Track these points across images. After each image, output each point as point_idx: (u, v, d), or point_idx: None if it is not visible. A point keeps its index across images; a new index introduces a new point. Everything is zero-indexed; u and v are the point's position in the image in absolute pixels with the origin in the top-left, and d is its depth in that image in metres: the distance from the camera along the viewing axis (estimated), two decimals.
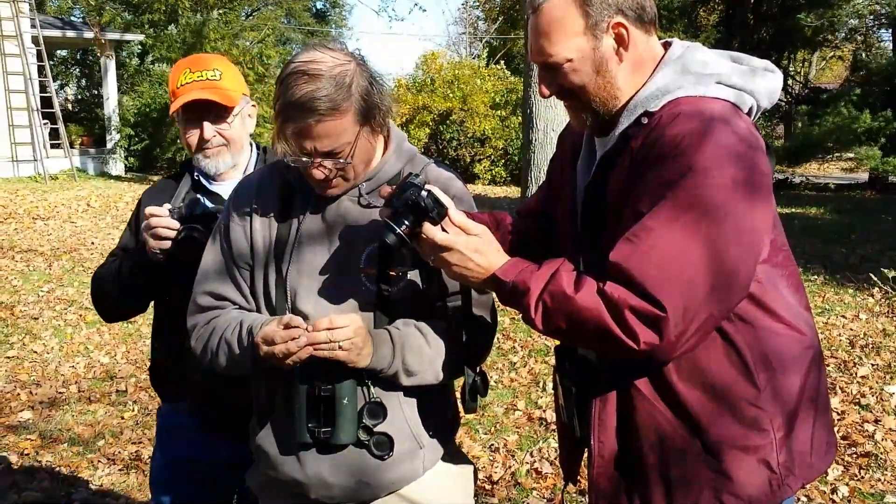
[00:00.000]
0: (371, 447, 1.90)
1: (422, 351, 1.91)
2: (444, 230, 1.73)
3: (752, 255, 1.63)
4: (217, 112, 2.41)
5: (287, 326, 1.78)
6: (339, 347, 1.78)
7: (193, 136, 2.43)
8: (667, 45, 1.81)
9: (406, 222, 1.72)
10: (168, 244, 2.26)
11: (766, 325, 1.73)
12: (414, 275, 1.94)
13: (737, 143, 1.61)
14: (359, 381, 1.88)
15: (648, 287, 1.56)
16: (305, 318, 1.87)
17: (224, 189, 2.41)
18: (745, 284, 1.65)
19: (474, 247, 1.73)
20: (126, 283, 2.39)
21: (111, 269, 2.46)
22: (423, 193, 1.72)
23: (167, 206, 2.30)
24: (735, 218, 1.58)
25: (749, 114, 1.74)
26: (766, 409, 1.73)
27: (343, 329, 1.78)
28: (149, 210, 2.28)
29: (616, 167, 1.74)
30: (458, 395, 2.09)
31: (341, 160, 1.84)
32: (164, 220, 2.25)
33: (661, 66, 1.76)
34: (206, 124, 2.41)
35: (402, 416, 1.96)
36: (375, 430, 1.90)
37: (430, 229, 1.72)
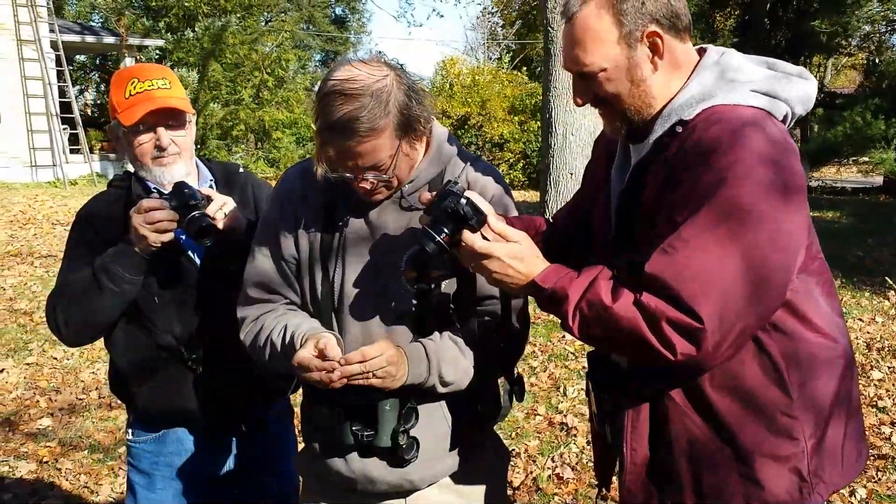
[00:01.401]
0: (402, 449, 1.93)
1: (457, 362, 1.95)
2: (483, 237, 1.73)
3: (789, 264, 1.62)
4: (173, 120, 2.36)
5: (321, 354, 1.81)
6: (374, 375, 1.82)
7: (148, 145, 2.34)
8: (701, 52, 1.80)
9: (445, 230, 1.73)
10: (170, 237, 2.23)
11: (801, 333, 1.72)
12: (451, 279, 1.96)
13: (771, 151, 1.60)
14: (396, 396, 1.91)
15: (685, 298, 1.55)
16: (345, 323, 1.96)
17: None
18: (782, 293, 1.64)
19: (514, 254, 1.73)
20: (123, 287, 2.26)
21: (89, 283, 2.28)
22: (462, 201, 1.72)
23: (155, 198, 2.23)
24: (771, 226, 1.57)
25: (784, 121, 1.73)
26: (798, 417, 1.72)
27: (376, 359, 1.82)
28: (147, 204, 2.20)
29: (650, 175, 1.73)
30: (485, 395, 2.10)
31: (384, 175, 1.86)
32: (166, 213, 2.21)
33: (696, 73, 1.75)
34: (162, 131, 2.34)
35: (441, 415, 2.00)
36: (409, 433, 1.94)
37: (469, 237, 1.73)
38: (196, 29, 22.10)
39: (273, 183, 2.46)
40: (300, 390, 2.19)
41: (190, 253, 2.39)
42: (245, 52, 21.86)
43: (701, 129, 1.65)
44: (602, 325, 1.63)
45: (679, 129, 1.69)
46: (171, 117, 2.35)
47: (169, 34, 22.38)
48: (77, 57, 25.14)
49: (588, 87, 1.75)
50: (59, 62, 18.96)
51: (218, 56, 21.76)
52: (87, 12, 28.20)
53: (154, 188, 2.38)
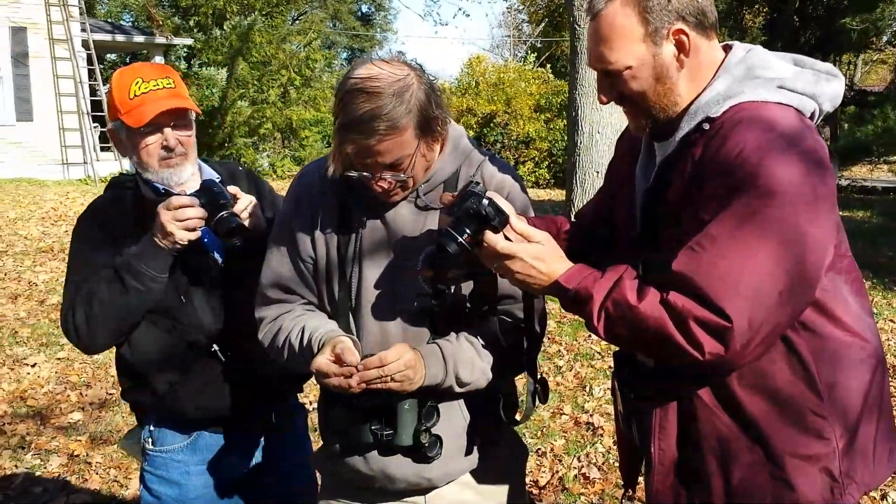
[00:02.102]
0: (425, 447, 1.94)
1: (473, 363, 1.95)
2: (506, 238, 1.73)
3: (818, 262, 1.61)
4: (179, 120, 2.32)
5: (338, 359, 1.83)
6: (392, 379, 1.83)
7: (154, 146, 2.29)
8: (727, 49, 1.78)
9: (467, 231, 1.73)
10: (198, 235, 2.21)
11: (830, 332, 1.71)
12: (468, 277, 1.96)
13: (801, 150, 1.59)
14: (414, 396, 1.92)
15: (713, 297, 1.54)
16: (363, 323, 1.96)
17: None
18: (811, 292, 1.62)
19: (536, 254, 1.72)
20: (149, 285, 2.22)
21: (111, 283, 2.23)
22: (485, 202, 1.72)
23: (185, 195, 2.21)
24: (800, 225, 1.56)
25: (811, 117, 1.72)
26: (828, 417, 1.71)
27: (393, 364, 1.82)
28: (178, 201, 2.18)
29: (676, 173, 1.72)
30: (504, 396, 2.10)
31: (402, 175, 1.86)
32: (197, 211, 2.18)
33: (722, 70, 1.73)
34: (169, 132, 2.30)
35: (459, 413, 2.01)
36: (430, 431, 1.95)
37: (491, 238, 1.72)
38: (225, 27, 22.24)
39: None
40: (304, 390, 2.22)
41: (212, 252, 2.37)
42: (272, 52, 21.96)
43: (728, 127, 1.64)
44: (628, 324, 1.63)
45: (706, 126, 1.68)
46: (177, 117, 2.31)
47: (200, 33, 22.54)
48: (107, 56, 25.41)
49: (613, 85, 1.74)
50: (90, 61, 19.16)
51: (245, 55, 21.88)
52: (117, 11, 28.50)
53: (163, 190, 2.34)
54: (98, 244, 2.31)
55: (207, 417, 2.39)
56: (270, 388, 2.43)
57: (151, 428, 2.43)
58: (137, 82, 2.29)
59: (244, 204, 2.28)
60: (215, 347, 2.33)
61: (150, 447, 2.43)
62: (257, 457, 2.50)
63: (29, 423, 5.25)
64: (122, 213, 2.35)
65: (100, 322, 2.25)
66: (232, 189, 2.31)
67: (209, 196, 2.21)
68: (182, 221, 2.17)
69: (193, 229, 2.19)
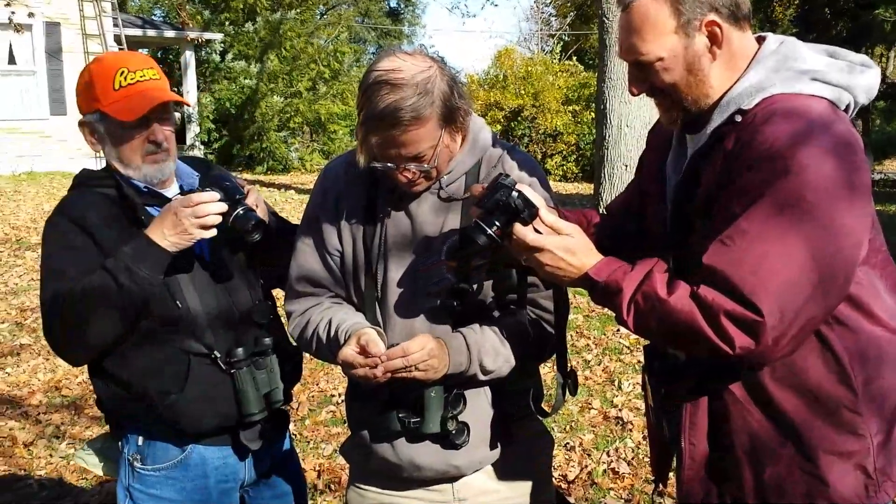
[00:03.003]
0: (452, 435, 1.96)
1: (497, 351, 1.97)
2: (536, 230, 1.72)
3: (852, 257, 1.59)
4: (164, 114, 2.19)
5: (364, 350, 1.86)
6: (416, 369, 1.86)
7: (138, 141, 2.16)
8: (761, 40, 1.76)
9: (497, 223, 1.73)
10: (213, 233, 2.07)
11: (865, 327, 1.69)
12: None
13: (834, 142, 1.57)
14: (440, 383, 1.95)
15: (744, 291, 1.53)
16: (389, 318, 1.99)
17: (171, 195, 2.21)
18: (845, 286, 1.60)
19: (566, 246, 1.72)
20: (146, 289, 2.05)
21: (102, 287, 2.02)
22: (514, 194, 1.72)
23: (204, 191, 2.08)
24: (833, 219, 1.54)
25: (846, 110, 1.70)
26: (863, 413, 1.69)
27: (417, 354, 1.85)
28: (198, 197, 2.05)
29: (708, 166, 1.71)
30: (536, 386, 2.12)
31: (425, 165, 1.88)
32: (218, 207, 2.06)
33: (755, 61, 1.72)
34: (157, 127, 2.17)
35: (486, 402, 2.03)
36: (458, 418, 1.97)
37: (520, 230, 1.73)
38: (257, 21, 22.37)
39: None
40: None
41: (201, 251, 2.23)
42: (301, 46, 22.04)
43: (760, 119, 1.62)
44: (657, 318, 1.62)
45: (738, 118, 1.67)
46: (163, 111, 2.18)
47: (231, 28, 22.68)
48: (139, 51, 25.68)
49: (644, 77, 1.74)
50: None
51: (276, 49, 22.00)
52: (149, 7, 28.73)
53: (145, 188, 2.21)
54: (78, 247, 2.11)
55: (206, 429, 2.22)
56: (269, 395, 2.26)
57: (140, 443, 2.24)
58: (122, 72, 2.15)
59: (254, 197, 2.21)
60: (216, 354, 2.18)
61: (140, 466, 2.24)
62: (251, 467, 2.36)
63: (63, 413, 5.34)
64: (102, 214, 2.16)
65: (91, 330, 2.06)
66: (241, 182, 2.23)
67: (224, 191, 2.10)
68: (200, 218, 2.04)
69: (210, 227, 2.06)
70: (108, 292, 2.02)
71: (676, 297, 1.59)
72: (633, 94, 1.79)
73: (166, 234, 2.04)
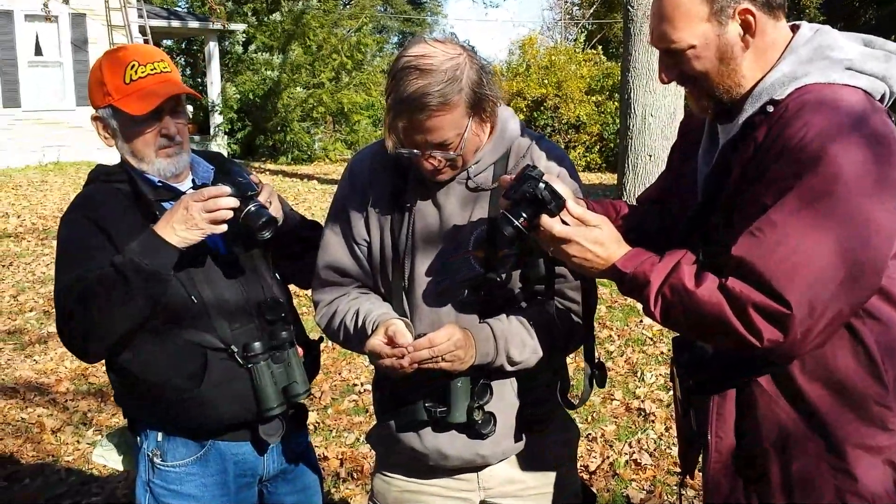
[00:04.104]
0: (479, 425, 1.97)
1: (524, 342, 1.97)
2: (563, 222, 1.72)
3: (883, 251, 1.56)
4: (176, 106, 2.19)
5: (391, 341, 1.86)
6: (443, 359, 1.86)
7: (152, 135, 2.16)
8: (795, 28, 1.74)
9: (524, 214, 1.73)
10: (224, 228, 2.06)
11: None
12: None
13: (867, 135, 1.54)
14: (467, 374, 1.95)
15: (773, 283, 1.51)
16: (417, 307, 1.99)
17: (184, 190, 2.17)
18: (876, 279, 1.58)
19: (594, 238, 1.72)
20: (156, 285, 2.03)
21: (113, 284, 2.01)
22: (541, 186, 1.71)
23: (217, 186, 2.07)
24: (863, 213, 1.52)
25: (881, 100, 1.66)
26: (892, 407, 1.67)
27: (444, 344, 1.85)
28: (210, 191, 2.03)
29: (739, 156, 1.69)
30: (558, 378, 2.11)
31: (451, 153, 1.88)
32: (231, 202, 2.04)
33: (789, 51, 1.69)
34: (169, 119, 2.17)
35: (512, 392, 2.03)
36: (484, 408, 1.98)
37: (547, 221, 1.72)
38: (280, 12, 22.41)
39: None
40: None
41: (216, 245, 2.22)
42: (325, 36, 22.06)
43: (793, 110, 1.60)
44: (685, 310, 1.61)
45: (770, 108, 1.64)
46: (175, 104, 2.18)
47: (254, 18, 22.75)
48: (163, 41, 25.80)
49: (675, 64, 1.71)
50: None
51: (299, 39, 22.04)
52: None
53: (159, 182, 2.20)
54: (93, 244, 2.11)
55: (225, 425, 2.22)
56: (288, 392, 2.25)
57: (159, 439, 2.24)
58: (133, 66, 2.15)
59: (267, 193, 2.18)
60: (233, 349, 2.17)
61: (160, 462, 2.24)
62: (270, 462, 2.36)
63: (90, 400, 5.40)
64: (117, 209, 2.16)
65: (102, 327, 2.05)
66: (254, 177, 2.21)
67: (237, 187, 2.07)
68: (211, 213, 2.02)
69: (222, 222, 2.04)
70: (116, 288, 2.01)
71: (704, 289, 1.58)
72: (663, 82, 1.77)
73: (176, 229, 2.03)
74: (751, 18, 1.65)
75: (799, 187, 1.53)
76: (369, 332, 1.95)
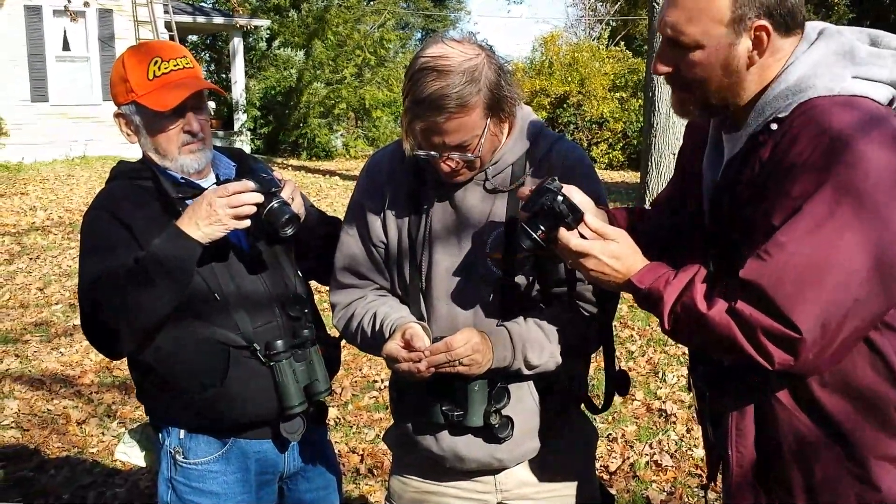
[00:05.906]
0: (496, 428, 1.96)
1: (542, 346, 1.96)
2: (581, 235, 1.71)
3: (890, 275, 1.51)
4: (198, 103, 2.19)
5: (408, 345, 1.86)
6: (460, 363, 1.86)
7: (175, 131, 2.16)
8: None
9: (542, 227, 1.73)
10: (247, 224, 2.06)
11: None
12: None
13: (876, 150, 1.48)
14: (484, 377, 1.95)
15: (782, 307, 1.49)
16: (434, 307, 1.99)
17: (207, 186, 2.17)
18: (889, 299, 1.54)
19: (611, 252, 1.71)
20: (180, 280, 2.04)
21: (137, 279, 2.01)
22: (559, 199, 1.71)
23: (240, 181, 2.07)
24: (877, 229, 1.48)
25: (890, 104, 1.61)
26: None
27: (461, 348, 1.85)
28: (234, 186, 2.04)
29: (745, 173, 1.66)
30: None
31: (469, 155, 1.87)
32: (254, 197, 2.04)
33: (793, 59, 1.63)
34: (192, 115, 2.17)
35: (530, 395, 2.03)
36: (501, 412, 1.97)
37: (565, 235, 1.71)
38: (302, 9, 22.49)
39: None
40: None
41: (239, 242, 2.23)
42: (347, 32, 22.10)
43: (798, 128, 1.55)
44: (697, 330, 1.61)
45: (774, 126, 1.60)
46: (198, 100, 2.19)
47: (277, 15, 22.85)
48: (189, 37, 25.96)
49: (674, 59, 1.65)
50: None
51: (321, 36, 22.09)
52: None
53: (181, 179, 2.21)
54: (116, 240, 2.11)
55: (247, 422, 2.24)
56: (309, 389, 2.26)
57: (181, 437, 2.25)
58: (156, 62, 2.15)
59: (289, 190, 2.16)
60: (256, 346, 2.17)
61: (183, 459, 2.25)
62: (290, 459, 2.37)
63: (115, 393, 5.47)
64: (139, 206, 2.16)
65: (127, 324, 2.05)
66: (277, 174, 2.19)
67: (260, 183, 2.07)
68: (235, 208, 2.03)
69: (245, 217, 2.05)
70: (140, 282, 2.01)
71: (715, 312, 1.56)
72: (656, 72, 1.71)
73: (200, 225, 2.03)
74: (764, 36, 1.59)
75: (806, 209, 1.49)
76: (387, 335, 1.95)
